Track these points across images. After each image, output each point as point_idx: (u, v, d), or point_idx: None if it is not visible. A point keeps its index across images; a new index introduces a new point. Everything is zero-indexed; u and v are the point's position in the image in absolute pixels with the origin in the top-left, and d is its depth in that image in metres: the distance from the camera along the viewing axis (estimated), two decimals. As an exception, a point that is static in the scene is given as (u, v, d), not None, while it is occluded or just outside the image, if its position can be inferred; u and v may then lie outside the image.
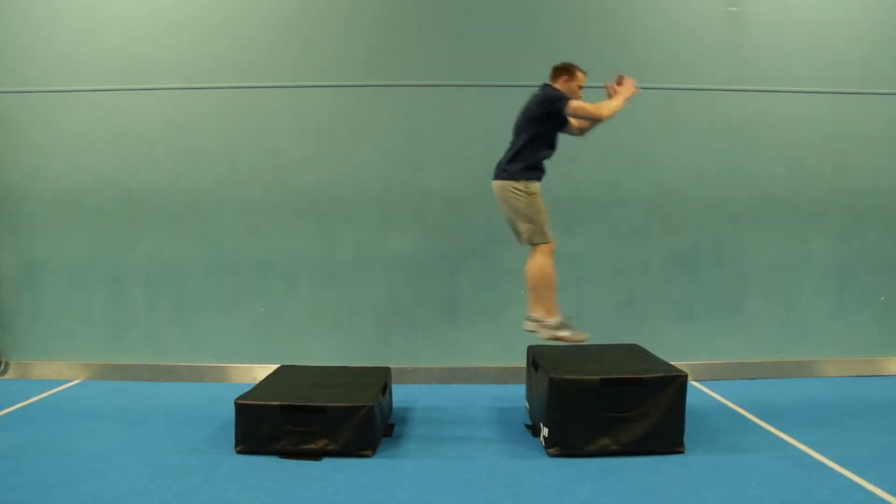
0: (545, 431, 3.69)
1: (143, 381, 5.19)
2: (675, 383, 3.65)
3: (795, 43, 5.22)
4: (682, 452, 3.65)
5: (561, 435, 3.63)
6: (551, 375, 3.64)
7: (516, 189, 3.80)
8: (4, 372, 5.28)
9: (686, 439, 3.69)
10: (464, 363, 5.22)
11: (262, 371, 4.88)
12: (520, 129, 3.92)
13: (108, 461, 3.52)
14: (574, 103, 3.73)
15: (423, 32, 5.16)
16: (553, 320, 3.80)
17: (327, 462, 3.54)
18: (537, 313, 3.96)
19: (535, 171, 3.86)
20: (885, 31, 5.27)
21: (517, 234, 3.99)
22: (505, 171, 3.87)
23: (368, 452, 3.62)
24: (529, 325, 3.99)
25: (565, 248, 5.19)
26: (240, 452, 3.65)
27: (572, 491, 3.19)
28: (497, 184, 3.90)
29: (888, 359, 5.41)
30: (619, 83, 3.92)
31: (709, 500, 3.09)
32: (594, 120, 3.80)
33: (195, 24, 5.11)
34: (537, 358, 4.09)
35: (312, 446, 3.60)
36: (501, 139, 5.17)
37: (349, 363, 4.64)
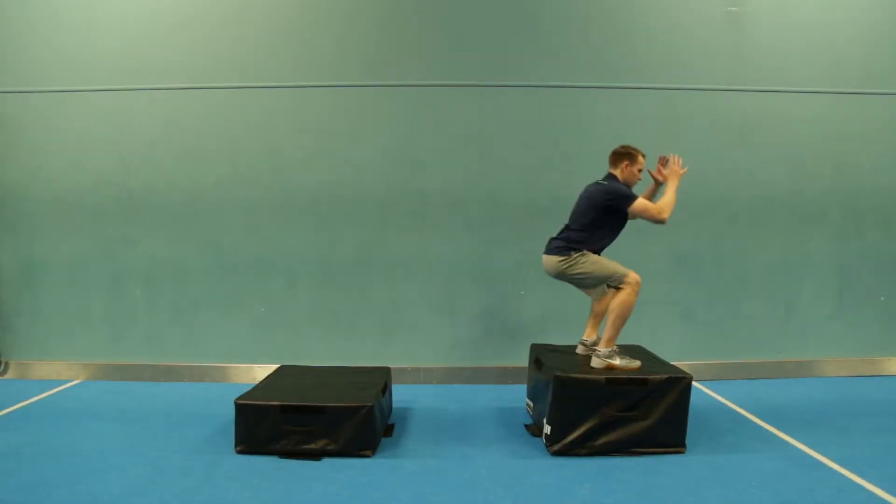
0: (547, 429, 3.69)
1: (143, 381, 5.19)
2: (680, 385, 3.66)
3: (795, 43, 5.22)
4: (682, 452, 3.65)
5: (563, 433, 3.64)
6: (557, 374, 3.64)
7: (568, 261, 3.87)
8: (4, 372, 5.28)
9: (686, 439, 3.69)
10: (464, 363, 5.22)
11: (262, 371, 4.88)
12: (580, 212, 3.97)
13: (108, 461, 3.52)
14: (638, 205, 3.81)
15: (423, 32, 5.16)
16: (606, 349, 3.84)
17: (327, 462, 3.54)
18: (591, 337, 4.15)
19: (584, 247, 3.92)
20: (885, 31, 5.27)
21: (591, 293, 4.14)
22: (556, 247, 3.94)
23: (368, 452, 3.63)
24: (581, 349, 4.18)
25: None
26: (240, 452, 3.65)
27: (572, 491, 3.19)
28: (547, 258, 3.98)
29: (888, 359, 5.41)
30: (664, 164, 4.02)
31: (709, 500, 3.09)
32: (656, 222, 3.86)
33: (195, 24, 5.11)
34: (541, 356, 4.09)
35: (312, 446, 3.61)
36: (501, 139, 5.21)
37: (349, 363, 4.65)
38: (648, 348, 4.37)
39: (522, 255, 5.19)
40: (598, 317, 4.17)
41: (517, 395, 4.67)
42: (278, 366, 4.52)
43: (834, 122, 5.27)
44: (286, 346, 5.19)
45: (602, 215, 3.88)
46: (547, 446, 3.69)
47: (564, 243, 3.91)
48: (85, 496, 3.10)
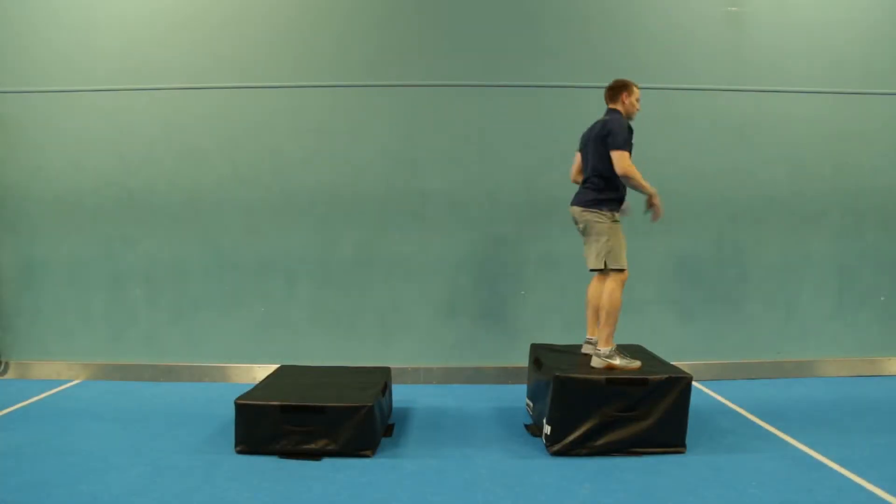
0: (547, 429, 3.69)
1: (143, 381, 5.19)
2: (680, 385, 3.65)
3: (795, 43, 5.22)
4: (682, 452, 3.65)
5: (563, 433, 3.63)
6: (556, 374, 3.64)
7: (598, 216, 3.88)
8: (4, 372, 5.28)
9: (686, 439, 3.69)
10: (464, 363, 5.22)
11: (262, 371, 4.88)
12: (593, 156, 3.96)
13: (108, 461, 3.52)
14: (620, 153, 3.76)
15: (423, 32, 5.16)
16: (606, 349, 3.84)
17: (327, 462, 3.54)
18: (595, 335, 4.06)
19: (611, 201, 3.91)
20: (885, 31, 5.27)
21: (588, 257, 4.02)
22: (587, 200, 3.93)
23: (368, 452, 3.63)
24: (589, 349, 4.11)
25: (565, 248, 5.22)
26: (240, 452, 3.65)
27: (572, 491, 3.19)
28: (575, 209, 4.00)
29: (888, 359, 5.41)
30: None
31: (709, 500, 3.09)
32: (617, 171, 3.80)
33: (195, 24, 5.11)
34: (540, 356, 4.09)
35: (312, 446, 3.61)
36: (501, 139, 5.22)
37: (349, 363, 4.65)
38: (648, 348, 4.37)
39: (522, 255, 5.20)
40: (596, 311, 4.14)
41: (517, 395, 4.67)
42: (278, 366, 4.51)
43: (834, 122, 5.27)
44: (286, 346, 5.18)
45: (608, 151, 3.85)
46: (547, 446, 3.69)
47: (594, 195, 3.90)
48: (85, 496, 3.10)
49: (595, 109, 5.15)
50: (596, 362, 3.84)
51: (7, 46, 5.13)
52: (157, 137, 5.16)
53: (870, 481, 3.25)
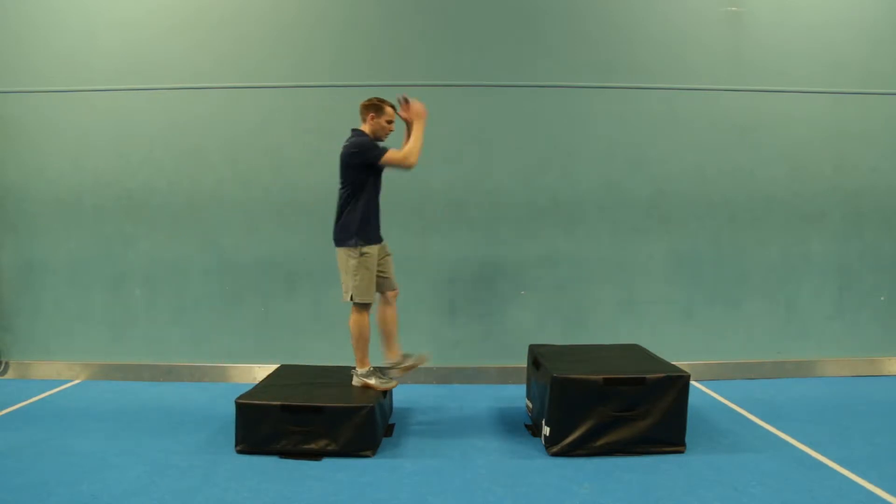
0: (546, 430, 3.69)
1: (143, 381, 5.19)
2: (678, 383, 3.65)
3: (795, 43, 5.22)
4: (682, 452, 3.65)
5: (562, 434, 3.63)
6: (554, 374, 3.64)
7: (351, 254, 3.84)
8: (4, 372, 5.28)
9: (686, 439, 3.69)
10: (464, 363, 5.22)
11: (262, 371, 4.88)
12: (341, 183, 3.93)
13: (109, 461, 3.52)
14: (386, 157, 3.78)
15: (423, 32, 5.16)
16: (363, 370, 3.98)
17: (327, 462, 3.54)
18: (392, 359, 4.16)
19: (364, 235, 3.86)
20: (885, 31, 5.27)
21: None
22: (338, 238, 3.89)
23: (368, 452, 3.63)
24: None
25: (565, 248, 5.22)
26: (240, 452, 3.65)
27: (572, 491, 3.19)
28: (338, 252, 3.92)
29: (888, 359, 5.41)
30: (406, 103, 3.94)
31: (709, 500, 3.09)
32: (404, 168, 3.85)
33: (195, 24, 5.11)
34: (539, 357, 4.09)
35: (312, 446, 3.61)
36: (501, 139, 5.22)
37: (349, 363, 4.64)
38: (648, 348, 4.37)
39: (522, 255, 5.20)
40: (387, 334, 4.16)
41: (517, 395, 4.67)
42: (278, 366, 4.51)
43: (834, 122, 5.27)
44: (286, 346, 5.18)
45: (355, 175, 3.80)
46: (546, 448, 3.69)
47: (341, 230, 3.86)
48: (85, 496, 3.10)
49: (595, 109, 5.19)
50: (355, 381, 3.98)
51: (7, 46, 5.13)
52: (157, 137, 5.16)
53: (870, 481, 3.26)
